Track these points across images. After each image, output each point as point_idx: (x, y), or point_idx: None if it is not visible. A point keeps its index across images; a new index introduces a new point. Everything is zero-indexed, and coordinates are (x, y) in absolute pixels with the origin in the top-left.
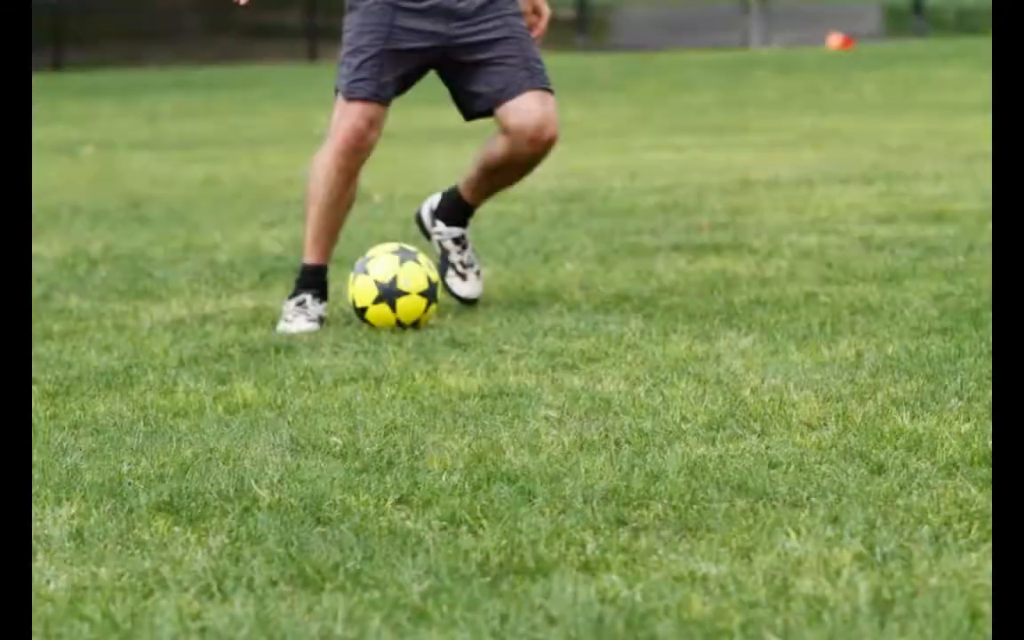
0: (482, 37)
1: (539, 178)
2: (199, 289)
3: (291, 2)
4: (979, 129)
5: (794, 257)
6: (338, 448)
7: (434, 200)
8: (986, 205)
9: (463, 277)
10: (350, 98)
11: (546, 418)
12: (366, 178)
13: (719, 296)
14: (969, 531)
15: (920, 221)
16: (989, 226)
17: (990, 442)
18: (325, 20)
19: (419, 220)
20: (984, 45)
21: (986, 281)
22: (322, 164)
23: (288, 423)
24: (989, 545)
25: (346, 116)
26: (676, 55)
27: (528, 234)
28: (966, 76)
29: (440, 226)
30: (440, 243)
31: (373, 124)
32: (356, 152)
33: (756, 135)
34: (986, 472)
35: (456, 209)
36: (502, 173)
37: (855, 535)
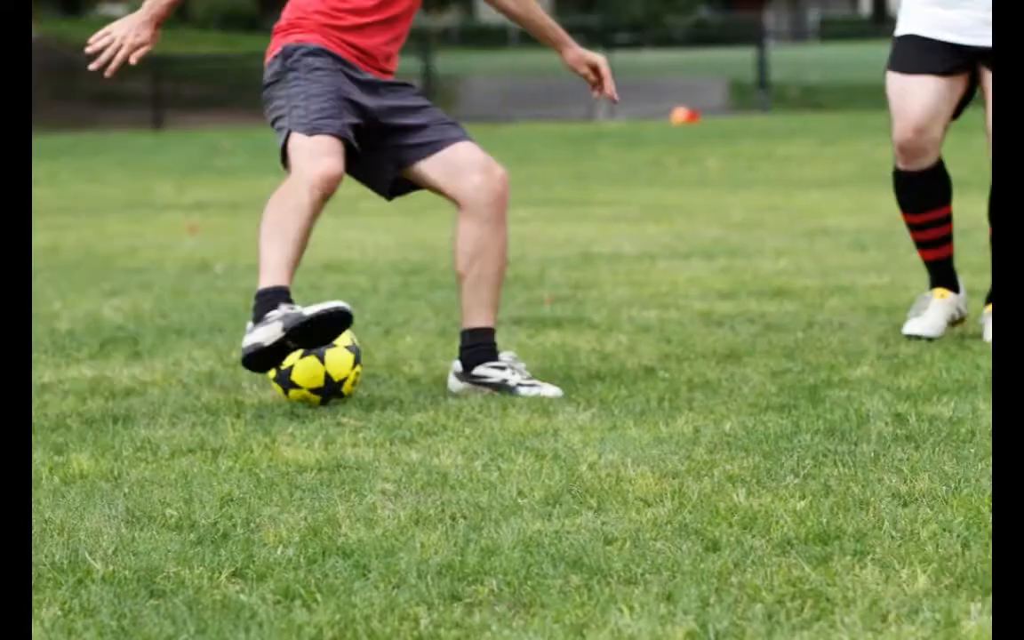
0: (408, 104)
1: (381, 250)
2: (38, 358)
3: (137, 70)
4: (821, 205)
5: (634, 332)
6: (173, 520)
7: (456, 366)
8: (826, 281)
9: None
10: (316, 132)
11: (383, 492)
12: (208, 248)
13: (558, 370)
14: (802, 609)
15: (760, 297)
16: (829, 302)
17: (824, 519)
18: (171, 88)
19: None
20: (827, 121)
21: (825, 358)
22: (291, 198)
23: (124, 494)
24: (821, 624)
25: (316, 153)
26: (522, 127)
27: (370, 306)
28: (809, 152)
29: (482, 368)
30: (501, 383)
31: (341, 163)
32: (330, 191)
33: (599, 208)
34: (820, 550)
35: (484, 346)
36: (483, 255)
37: (688, 613)
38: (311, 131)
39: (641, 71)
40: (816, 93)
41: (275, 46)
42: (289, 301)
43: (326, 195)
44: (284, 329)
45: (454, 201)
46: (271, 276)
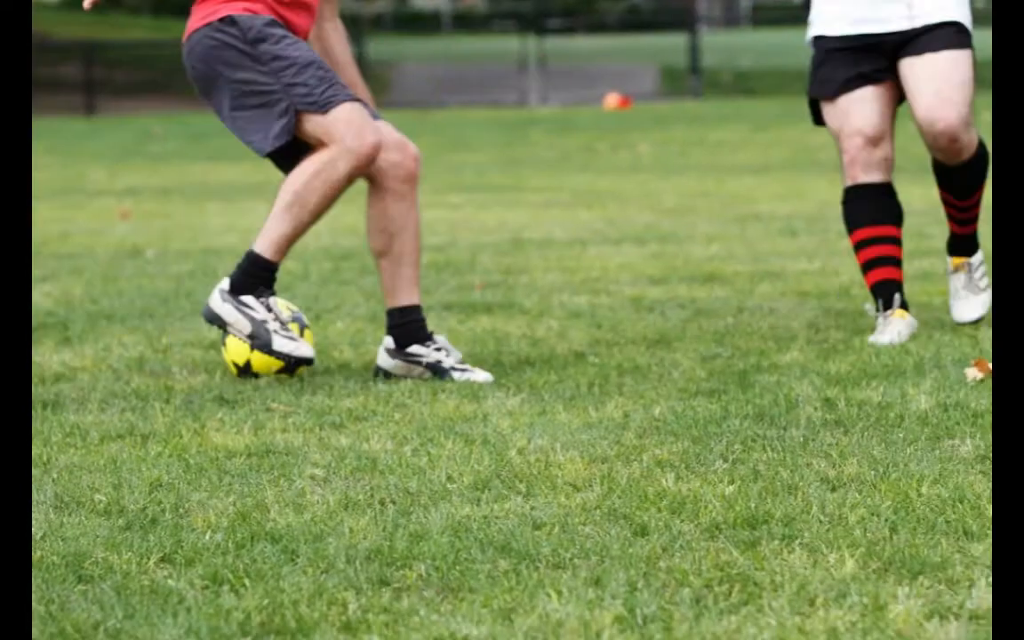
0: None
1: (312, 236)
2: None
3: (69, 55)
4: (752, 190)
5: (564, 317)
6: (102, 506)
7: (388, 343)
8: (756, 266)
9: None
10: (348, 99)
11: (312, 477)
12: (139, 234)
13: (489, 356)
14: (730, 594)
15: (691, 282)
16: (759, 287)
17: (753, 504)
18: (104, 73)
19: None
20: (759, 107)
21: (755, 343)
22: (330, 171)
23: (53, 480)
24: (749, 608)
25: (354, 119)
26: (454, 113)
27: (301, 292)
28: (741, 138)
29: (417, 347)
30: (435, 364)
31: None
32: (375, 157)
33: (531, 194)
34: (748, 534)
35: (416, 323)
36: (403, 233)
37: (616, 597)
38: (341, 99)
39: (573, 57)
40: (748, 79)
41: (211, 13)
42: (271, 287)
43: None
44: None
45: (367, 178)
46: (273, 249)
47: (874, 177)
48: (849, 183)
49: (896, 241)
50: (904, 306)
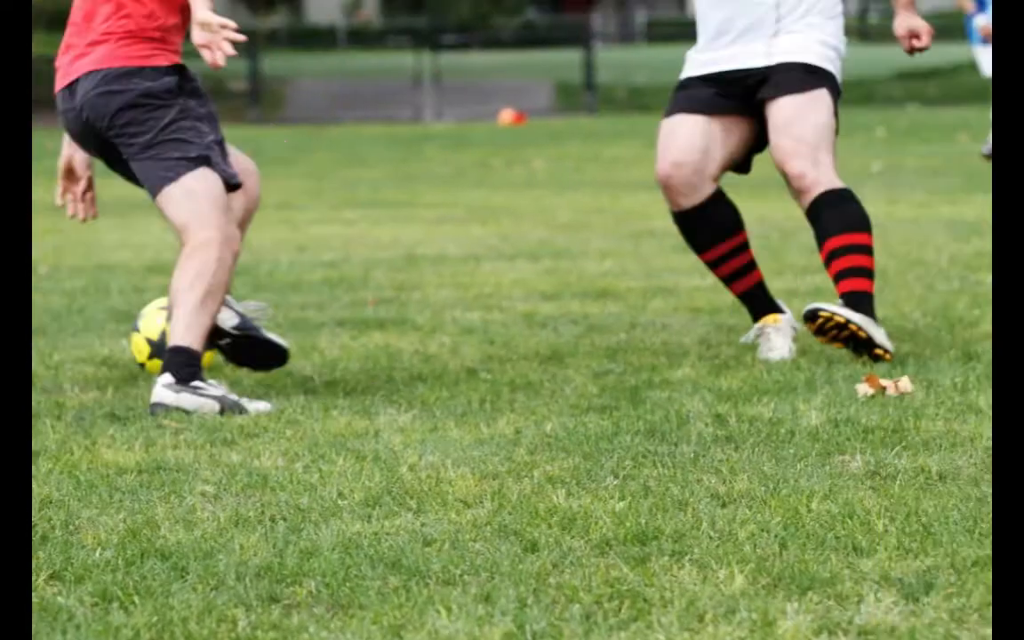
0: None
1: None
2: None
3: None
4: (647, 206)
5: (457, 333)
6: None
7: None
8: (650, 282)
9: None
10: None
11: (202, 494)
12: (34, 249)
13: (381, 372)
14: (619, 610)
15: (584, 298)
16: (652, 303)
17: (643, 520)
18: None
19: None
20: (654, 123)
21: (647, 359)
22: (232, 248)
23: None
24: (638, 624)
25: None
26: (349, 128)
27: None
28: (635, 154)
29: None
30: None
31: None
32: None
33: (425, 210)
34: (638, 550)
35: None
36: None
37: (506, 613)
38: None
39: (468, 73)
40: (643, 95)
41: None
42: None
43: None
44: (220, 409)
45: None
46: (202, 340)
47: (694, 200)
48: (673, 209)
49: (734, 253)
50: (776, 307)
